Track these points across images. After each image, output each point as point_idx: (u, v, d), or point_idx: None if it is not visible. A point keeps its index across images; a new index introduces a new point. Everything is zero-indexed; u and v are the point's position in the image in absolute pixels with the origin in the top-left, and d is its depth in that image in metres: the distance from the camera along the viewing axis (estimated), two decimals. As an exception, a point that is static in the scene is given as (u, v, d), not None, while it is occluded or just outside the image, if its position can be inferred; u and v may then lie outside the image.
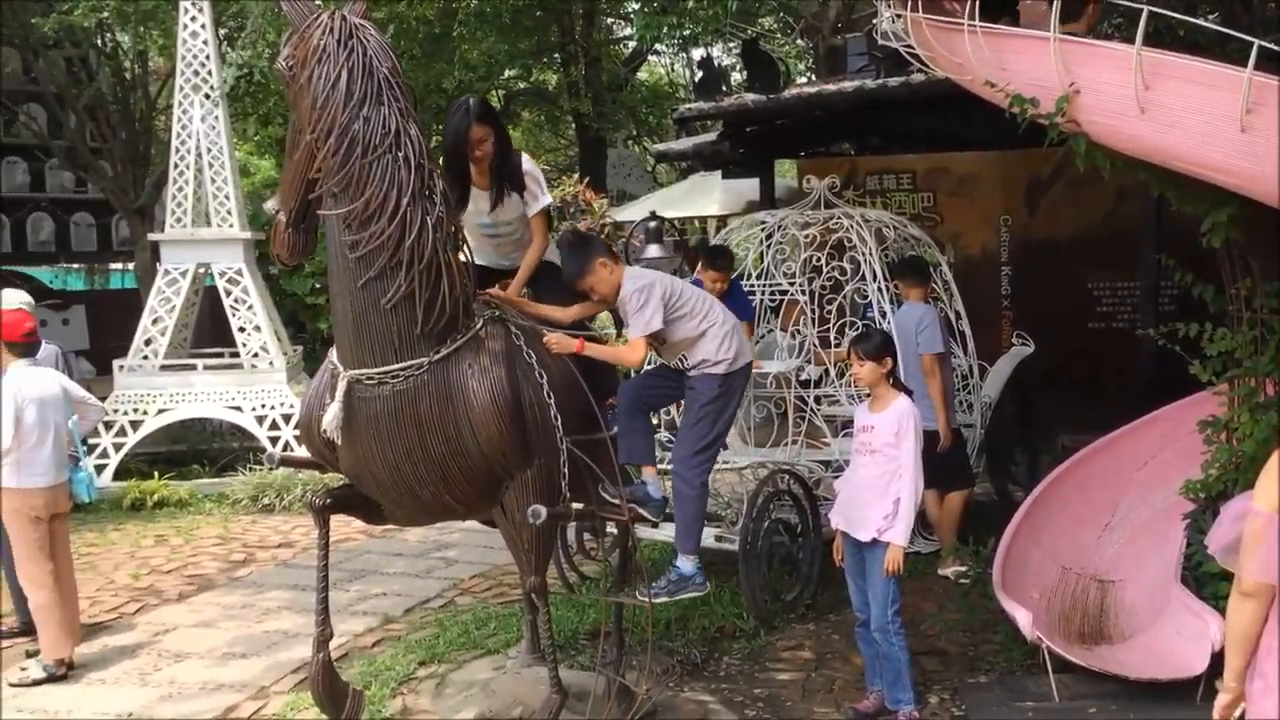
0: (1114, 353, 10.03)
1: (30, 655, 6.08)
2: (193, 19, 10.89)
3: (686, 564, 4.83)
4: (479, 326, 4.29)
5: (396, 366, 4.09)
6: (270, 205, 4.18)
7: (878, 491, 4.90)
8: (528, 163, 4.96)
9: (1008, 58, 5.12)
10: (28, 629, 6.27)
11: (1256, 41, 4.09)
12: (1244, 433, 5.13)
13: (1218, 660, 4.47)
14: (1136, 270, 9.72)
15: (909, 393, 5.11)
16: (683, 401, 5.08)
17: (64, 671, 5.94)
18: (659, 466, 5.06)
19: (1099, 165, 4.87)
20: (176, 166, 11.06)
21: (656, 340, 4.77)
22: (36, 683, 5.84)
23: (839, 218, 7.60)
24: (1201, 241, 4.99)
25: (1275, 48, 4.29)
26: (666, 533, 6.54)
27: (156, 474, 10.47)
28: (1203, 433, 5.46)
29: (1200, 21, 4.75)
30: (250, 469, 10.44)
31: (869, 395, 5.16)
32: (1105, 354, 10.18)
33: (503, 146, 4.86)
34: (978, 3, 5.22)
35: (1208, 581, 4.95)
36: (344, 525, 8.20)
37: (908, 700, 4.91)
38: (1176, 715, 4.60)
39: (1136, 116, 4.46)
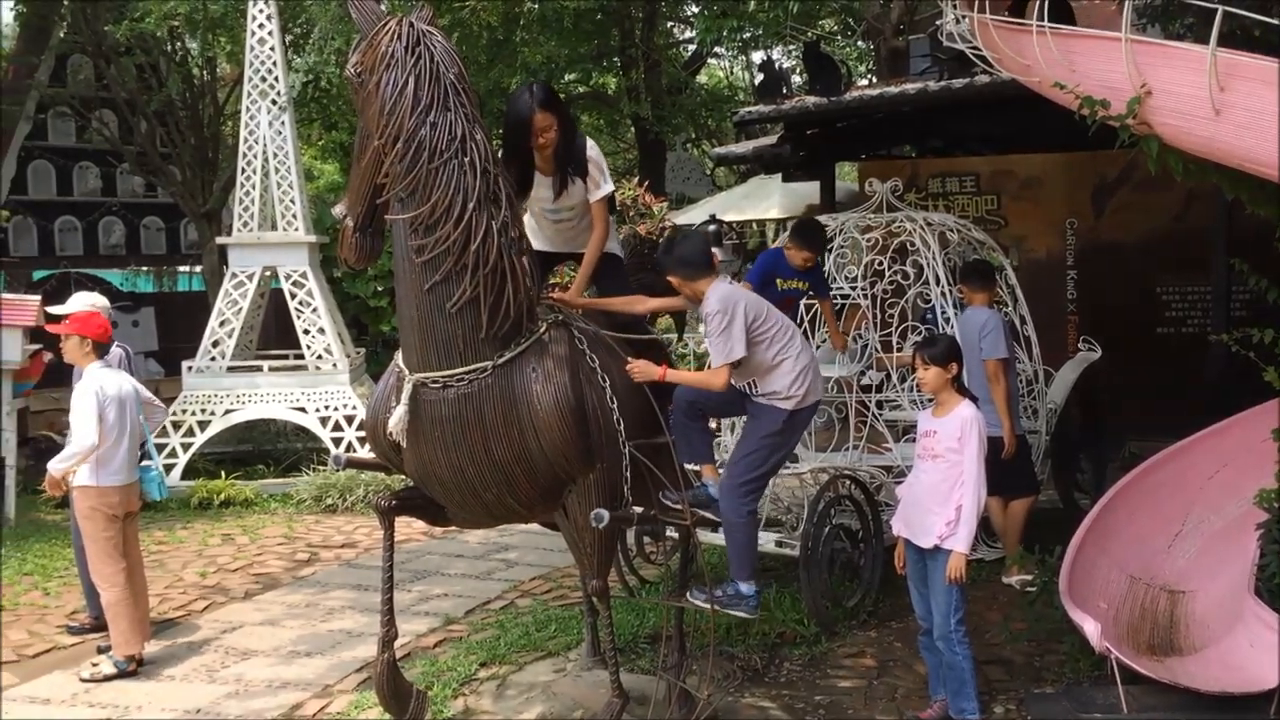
0: (1184, 358, 9.84)
1: (101, 651, 6.21)
2: (260, 26, 11.07)
3: (745, 586, 4.82)
4: (542, 330, 4.31)
5: (461, 370, 4.12)
6: (338, 210, 4.23)
7: (940, 498, 4.85)
8: (592, 149, 4.88)
9: (1077, 59, 5.06)
10: (99, 625, 6.40)
11: (1336, 42, 4.00)
12: (1320, 441, 5.02)
13: (1293, 674, 4.37)
14: (1207, 274, 9.53)
15: (973, 398, 5.06)
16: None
17: (134, 667, 6.06)
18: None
19: (1171, 168, 4.80)
20: (243, 171, 11.27)
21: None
22: (108, 678, 5.96)
23: (901, 221, 7.54)
24: (1276, 245, 4.89)
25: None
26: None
27: (223, 474, 10.67)
28: (1277, 441, 5.34)
29: (1276, 21, 4.64)
30: (314, 469, 10.58)
31: (932, 400, 5.12)
32: (1174, 359, 9.99)
33: (567, 132, 4.77)
34: (1046, 3, 5.16)
35: (1281, 593, 4.84)
36: (405, 526, 8.25)
37: (972, 710, 4.85)
38: (1249, 730, 4.50)
39: (1210, 118, 4.38)
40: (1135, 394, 9.16)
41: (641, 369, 4.60)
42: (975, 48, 6.07)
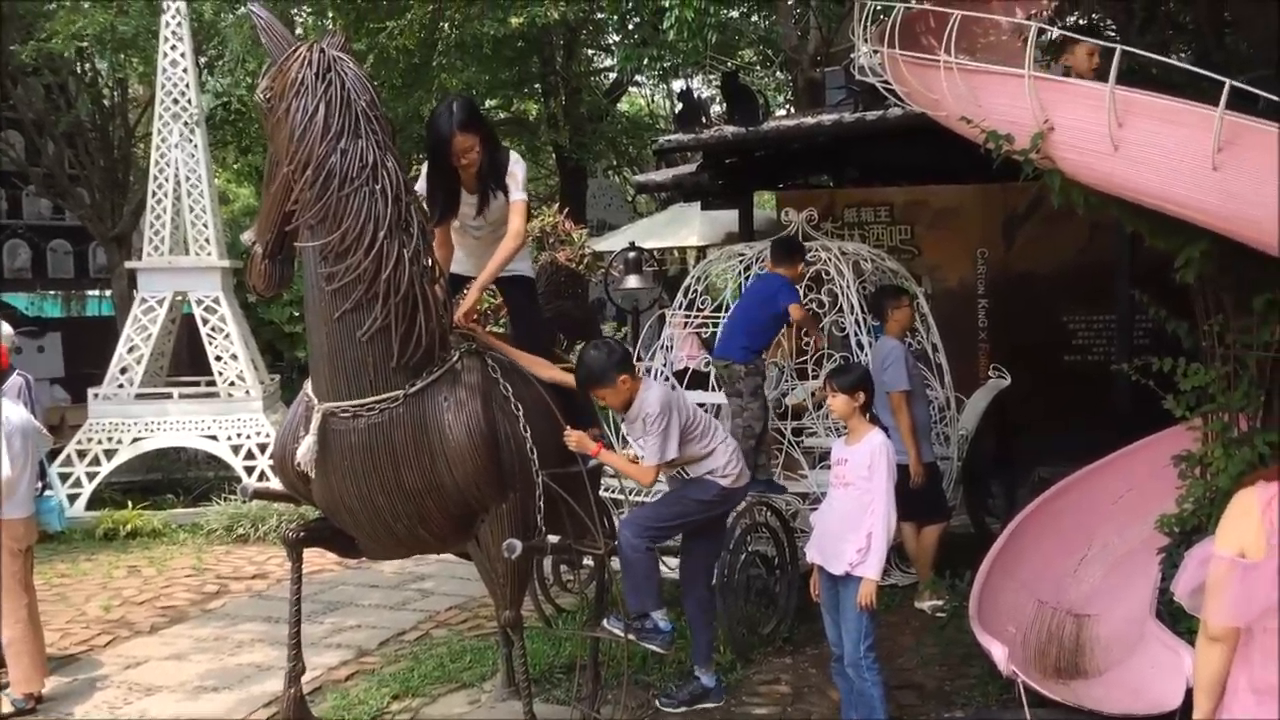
0: (1089, 385, 10.06)
1: (-2, 689, 6.00)
2: (173, 47, 10.88)
3: (663, 621, 4.86)
4: (455, 359, 4.28)
5: (372, 399, 4.08)
6: (247, 237, 4.17)
7: (851, 525, 4.90)
8: (514, 162, 4.90)
9: (983, 94, 5.17)
10: (-4, 661, 6.19)
11: (1228, 81, 4.15)
12: (1218, 468, 5.15)
13: (1191, 695, 4.47)
14: (1111, 304, 9.79)
15: (884, 427, 5.13)
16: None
17: (33, 705, 5.85)
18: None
19: (1073, 201, 4.92)
20: (155, 194, 11.05)
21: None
22: (4, 718, 5.75)
23: (817, 250, 7.63)
24: (1175, 277, 5.03)
25: (1247, 88, 4.34)
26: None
27: (130, 503, 10.37)
28: (1177, 467, 5.49)
29: (1173, 61, 4.80)
30: (225, 498, 10.37)
31: (846, 429, 5.19)
32: (1081, 386, 10.21)
33: (490, 150, 4.79)
34: (954, 39, 5.28)
35: (1182, 616, 4.93)
36: (319, 556, 8.14)
37: None
38: (1151, 750, 4.59)
39: (1110, 154, 4.50)
40: (1044, 420, 9.35)
41: (577, 440, 4.63)
42: (887, 82, 6.18)
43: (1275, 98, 4.37)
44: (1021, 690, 4.84)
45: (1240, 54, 5.55)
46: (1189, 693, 4.42)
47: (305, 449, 4.11)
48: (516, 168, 4.89)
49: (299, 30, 11.11)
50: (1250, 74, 4.93)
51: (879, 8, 6.40)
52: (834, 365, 5.63)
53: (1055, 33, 5.70)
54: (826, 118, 9.89)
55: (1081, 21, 6.68)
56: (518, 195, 4.86)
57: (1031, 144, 4.75)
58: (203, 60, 12.79)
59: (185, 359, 13.04)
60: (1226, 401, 5.20)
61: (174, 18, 10.83)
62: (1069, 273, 10.50)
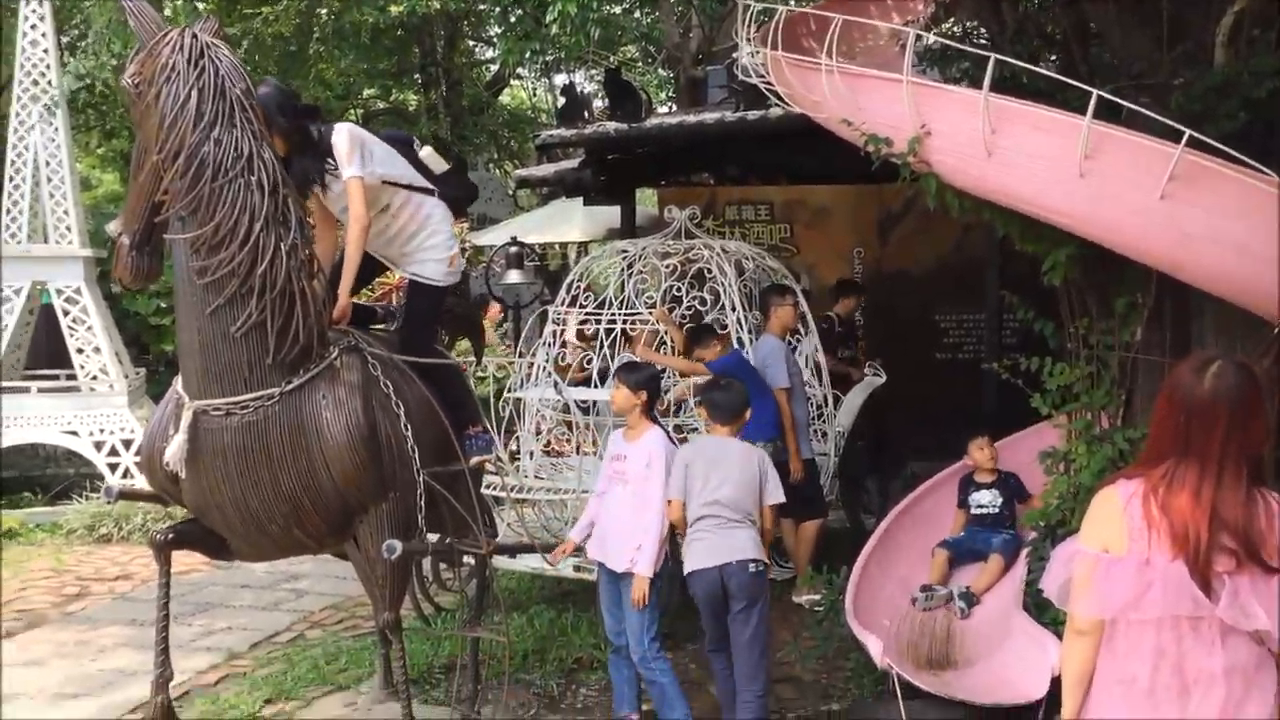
0: (961, 382, 10.34)
1: None
2: (33, 26, 10.42)
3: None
4: (334, 356, 4.18)
5: (246, 397, 3.96)
6: (113, 227, 4.00)
7: (629, 522, 4.95)
8: (334, 133, 4.54)
9: (863, 98, 5.26)
10: None
11: (1095, 91, 4.30)
12: (1081, 464, 5.36)
13: (1056, 684, 4.63)
14: (981, 303, 10.06)
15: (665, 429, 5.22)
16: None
17: (-125, 718, 5.56)
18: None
19: (947, 204, 5.05)
20: (12, 179, 10.58)
21: None
22: None
23: (699, 248, 7.68)
24: (1042, 279, 5.21)
25: (1111, 97, 4.51)
26: (523, 564, 6.48)
27: (-16, 503, 9.93)
28: (1042, 464, 5.68)
29: (1043, 70, 4.96)
30: (87, 497, 9.96)
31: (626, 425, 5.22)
32: (953, 383, 10.48)
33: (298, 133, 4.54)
34: (834, 42, 5.36)
35: (1047, 607, 5.11)
36: (188, 555, 7.83)
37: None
38: (1018, 739, 4.74)
39: (983, 159, 4.63)
40: (917, 416, 9.57)
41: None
42: (769, 82, 6.24)
43: (1137, 108, 4.54)
44: (896, 682, 4.95)
45: (1104, 64, 5.75)
46: (1053, 682, 4.60)
47: (175, 448, 3.97)
48: (338, 138, 4.53)
49: (168, 13, 10.72)
50: (1113, 84, 5.13)
51: (761, 9, 6.46)
52: (625, 362, 5.64)
53: (931, 39, 5.83)
54: (709, 116, 9.95)
55: (956, 29, 6.86)
56: (347, 172, 4.52)
57: (909, 148, 4.86)
58: (64, 40, 12.26)
59: (44, 351, 12.49)
60: (1090, 400, 5.40)
61: (34, -6, 10.38)
62: (941, 272, 10.76)
